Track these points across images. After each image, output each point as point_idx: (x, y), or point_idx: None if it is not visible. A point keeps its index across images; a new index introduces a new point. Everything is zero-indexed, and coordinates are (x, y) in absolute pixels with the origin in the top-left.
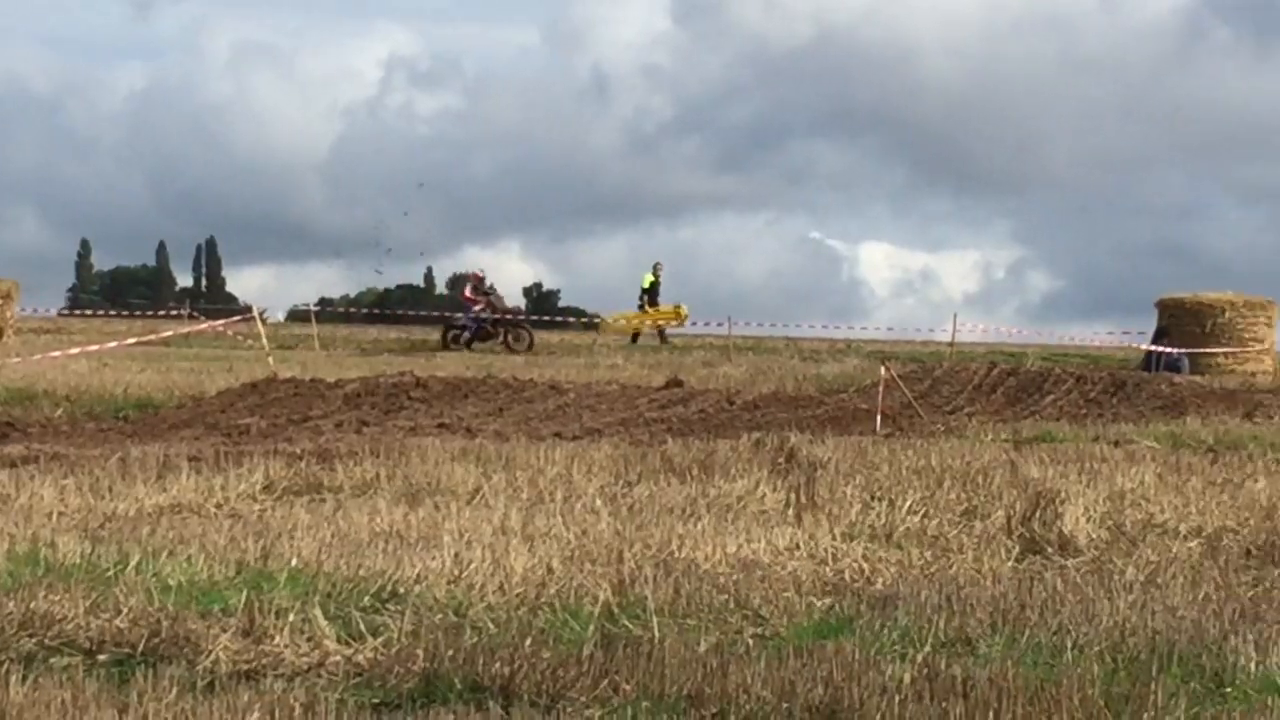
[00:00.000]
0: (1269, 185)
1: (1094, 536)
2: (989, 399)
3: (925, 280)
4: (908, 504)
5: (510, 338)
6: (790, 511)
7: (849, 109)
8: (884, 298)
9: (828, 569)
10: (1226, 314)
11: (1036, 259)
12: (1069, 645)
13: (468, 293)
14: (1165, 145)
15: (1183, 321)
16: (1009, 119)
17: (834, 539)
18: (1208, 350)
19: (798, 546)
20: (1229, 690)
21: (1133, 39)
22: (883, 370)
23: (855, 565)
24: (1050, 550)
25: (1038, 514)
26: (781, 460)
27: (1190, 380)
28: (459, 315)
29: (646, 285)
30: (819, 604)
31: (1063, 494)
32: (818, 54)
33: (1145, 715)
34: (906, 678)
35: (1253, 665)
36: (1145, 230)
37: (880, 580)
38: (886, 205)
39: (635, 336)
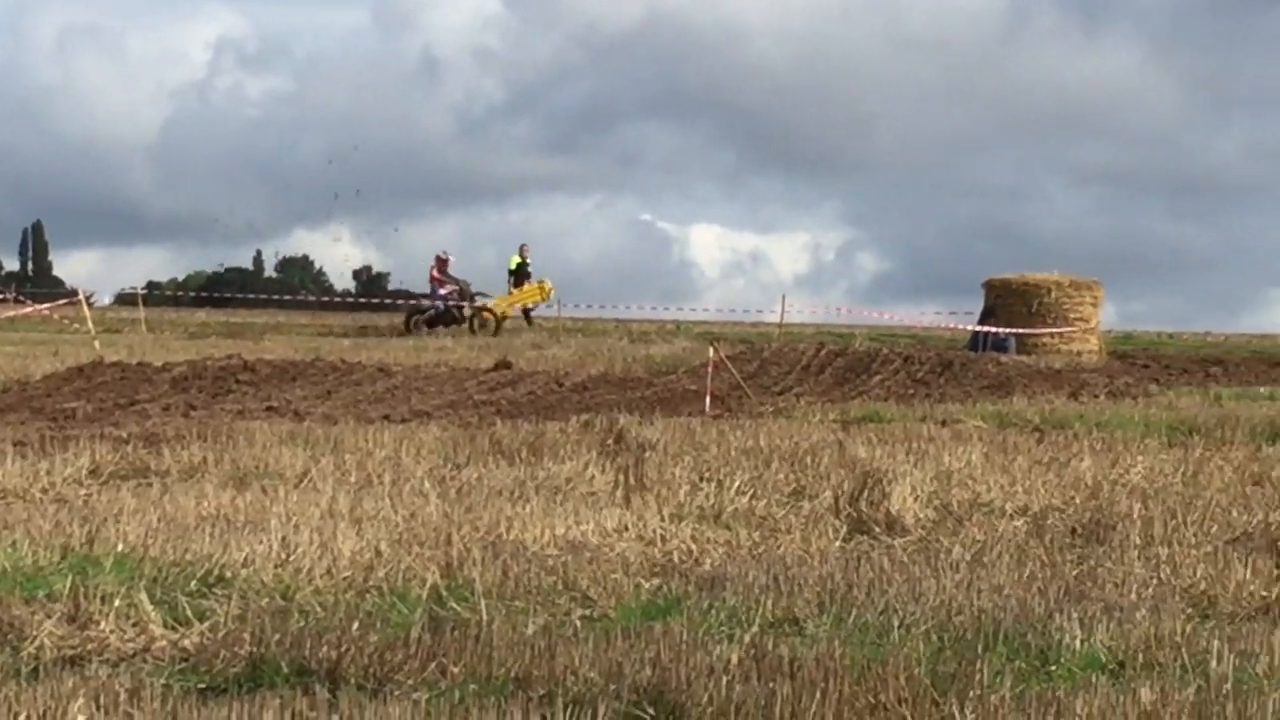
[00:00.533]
0: (1096, 167)
1: (921, 516)
2: (817, 379)
3: (755, 262)
4: (736, 485)
5: (475, 322)
6: (619, 493)
7: (679, 91)
8: (714, 279)
9: (656, 550)
10: (1053, 294)
11: (866, 240)
12: (896, 624)
13: (435, 274)
14: (994, 127)
15: (1009, 302)
16: (838, 101)
17: (662, 520)
18: (1034, 330)
19: (626, 528)
20: (1054, 668)
21: (960, 21)
22: (711, 351)
23: (683, 546)
24: (878, 530)
25: (865, 494)
26: (610, 442)
27: (1016, 360)
28: (424, 299)
29: (513, 267)
30: (647, 585)
31: (890, 474)
32: (648, 37)
33: (971, 693)
34: (734, 658)
35: (1077, 643)
36: (973, 211)
37: (708, 561)
38: (717, 187)
39: (526, 314)
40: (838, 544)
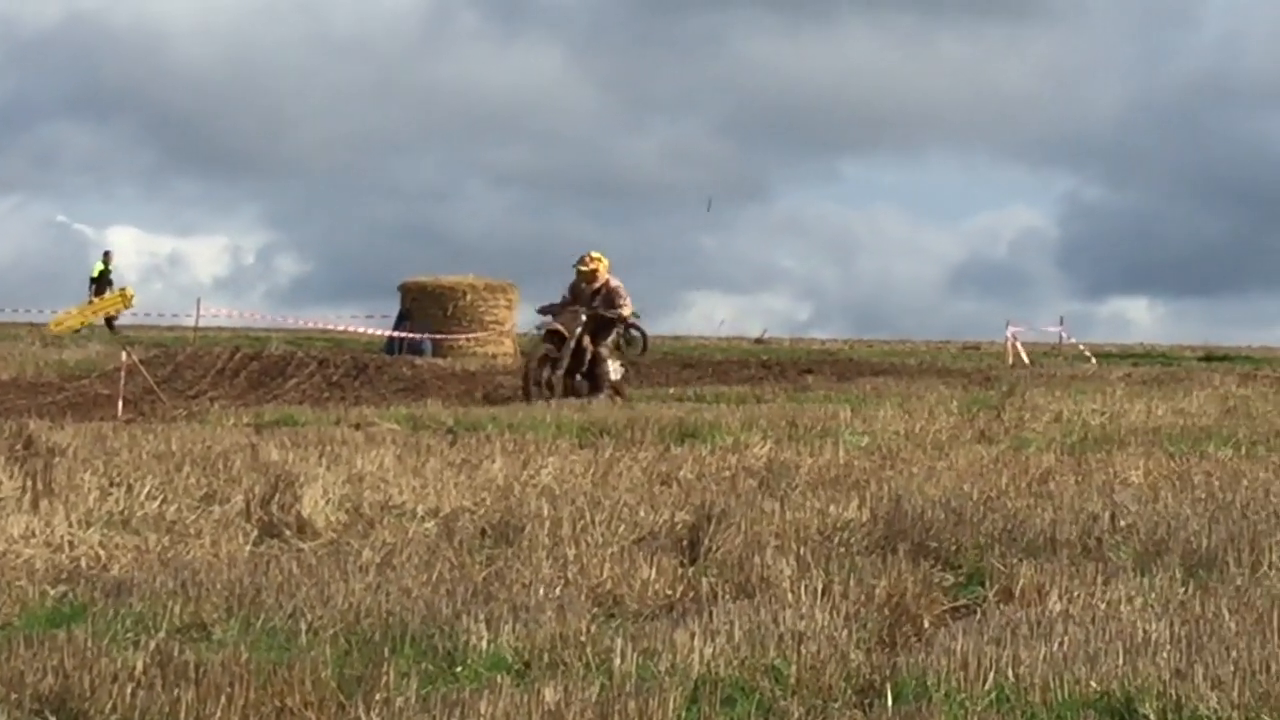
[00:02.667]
0: (515, 168)
1: (332, 519)
2: (232, 383)
3: (174, 265)
4: (146, 489)
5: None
6: (26, 499)
7: (98, 91)
8: (134, 282)
9: (63, 556)
10: (468, 297)
11: (286, 243)
12: (303, 628)
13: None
14: (415, 128)
15: (425, 305)
16: (259, 102)
17: (70, 526)
18: (450, 333)
19: (33, 534)
20: (460, 670)
21: (383, 22)
22: (124, 355)
23: (91, 552)
24: (289, 533)
25: (276, 497)
26: (19, 447)
27: (432, 363)
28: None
29: (95, 274)
30: (53, 592)
31: (302, 477)
32: (66, 36)
33: (377, 696)
34: (139, 665)
35: (484, 644)
36: (395, 213)
37: (116, 567)
38: (136, 189)
39: (110, 323)
40: (248, 548)
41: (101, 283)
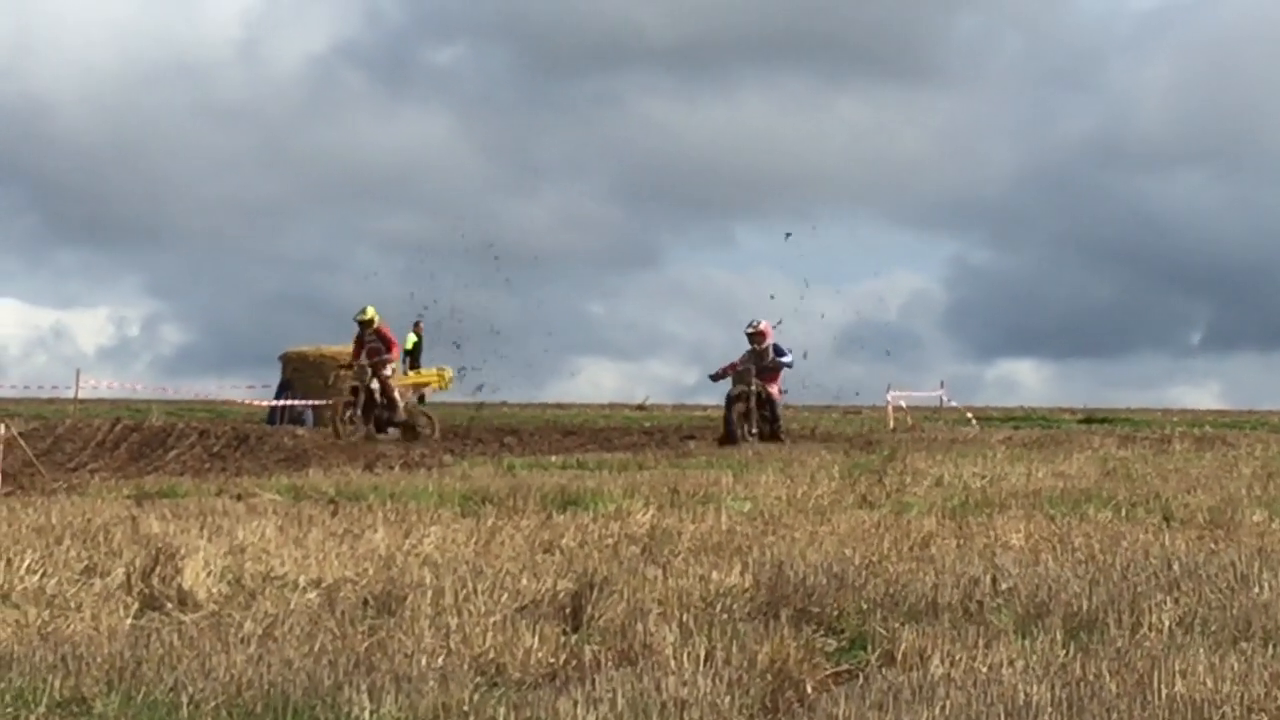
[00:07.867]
0: (402, 235)
1: (214, 591)
2: (112, 455)
3: (57, 337)
4: (26, 563)
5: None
6: None
7: None
8: (16, 356)
9: None
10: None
11: (170, 313)
12: (185, 701)
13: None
14: (300, 196)
15: (307, 374)
16: (144, 170)
17: None
18: (330, 402)
19: None
20: None
21: (270, 88)
22: (2, 429)
23: None
24: (170, 606)
25: (157, 570)
26: None
27: (313, 433)
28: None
29: (410, 347)
30: None
31: (183, 549)
32: None
33: None
34: None
35: (366, 714)
36: (279, 281)
37: None
38: (18, 261)
39: (422, 398)
40: (129, 621)
41: (415, 354)
